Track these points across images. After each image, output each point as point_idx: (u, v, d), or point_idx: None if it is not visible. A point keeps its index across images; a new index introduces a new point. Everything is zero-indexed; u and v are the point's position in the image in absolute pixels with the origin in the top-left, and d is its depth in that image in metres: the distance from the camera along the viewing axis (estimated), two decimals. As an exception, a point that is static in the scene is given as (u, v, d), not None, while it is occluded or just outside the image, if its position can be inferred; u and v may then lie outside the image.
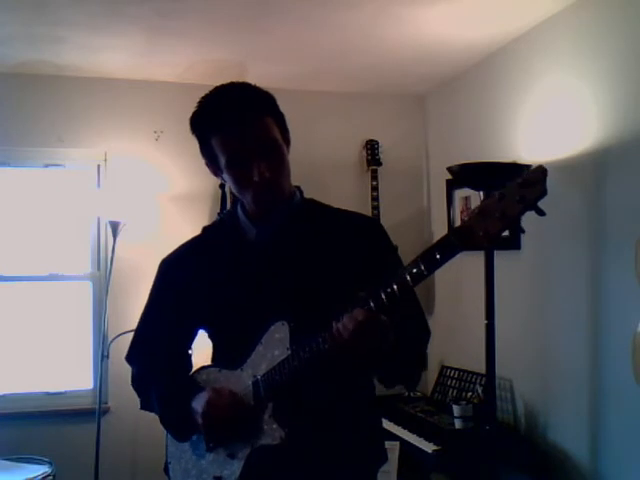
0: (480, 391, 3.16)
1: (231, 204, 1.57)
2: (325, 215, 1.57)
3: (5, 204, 3.70)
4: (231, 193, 3.74)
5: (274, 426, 1.39)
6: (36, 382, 3.67)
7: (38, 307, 3.73)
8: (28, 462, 3.05)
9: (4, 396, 3.58)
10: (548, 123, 2.96)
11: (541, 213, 1.16)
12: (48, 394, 3.66)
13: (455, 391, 3.42)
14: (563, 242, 2.82)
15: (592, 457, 2.71)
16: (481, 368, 2.92)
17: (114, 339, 3.50)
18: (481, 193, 2.77)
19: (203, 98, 1.48)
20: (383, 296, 1.24)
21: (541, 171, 1.13)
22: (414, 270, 1.20)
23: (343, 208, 1.59)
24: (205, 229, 1.68)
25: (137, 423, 3.67)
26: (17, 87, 3.61)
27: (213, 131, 1.43)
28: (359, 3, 2.78)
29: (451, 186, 3.73)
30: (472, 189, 3.00)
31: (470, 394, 3.23)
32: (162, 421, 1.56)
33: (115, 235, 3.55)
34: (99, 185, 3.78)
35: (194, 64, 3.55)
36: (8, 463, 3.02)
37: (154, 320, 1.63)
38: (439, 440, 2.97)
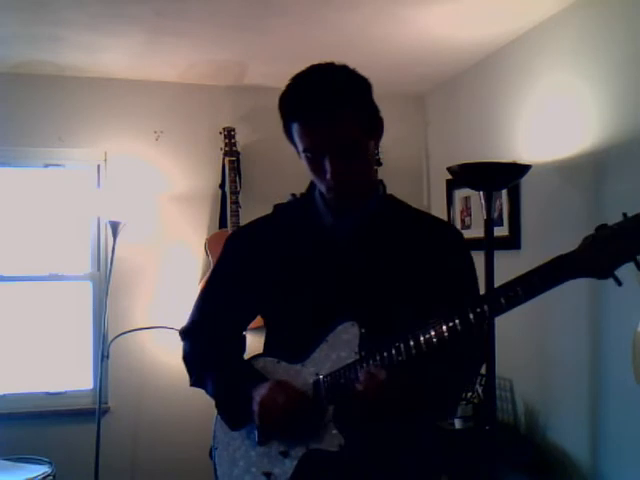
0: (480, 391, 3.16)
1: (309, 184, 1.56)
2: (408, 215, 1.52)
3: (5, 204, 3.70)
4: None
5: (333, 432, 1.33)
6: (36, 382, 3.67)
7: (38, 307, 3.73)
8: (28, 462, 3.05)
9: (4, 396, 3.58)
10: (548, 123, 2.96)
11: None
12: (48, 394, 3.66)
13: (455, 391, 3.42)
14: (563, 242, 2.80)
15: (592, 457, 2.71)
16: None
17: (114, 339, 3.51)
18: (481, 193, 2.78)
19: (294, 78, 1.42)
20: (471, 316, 1.23)
21: None
22: (510, 293, 1.21)
23: (423, 210, 1.56)
24: (277, 208, 1.61)
25: (137, 423, 3.67)
26: (17, 87, 3.61)
27: (293, 117, 1.38)
28: (359, 3, 2.78)
29: (451, 186, 3.73)
30: (472, 189, 2.99)
31: (470, 394, 3.23)
32: (217, 405, 1.50)
33: (115, 235, 3.55)
34: (99, 185, 3.78)
35: (194, 64, 3.55)
36: (8, 463, 3.02)
37: (216, 296, 1.57)
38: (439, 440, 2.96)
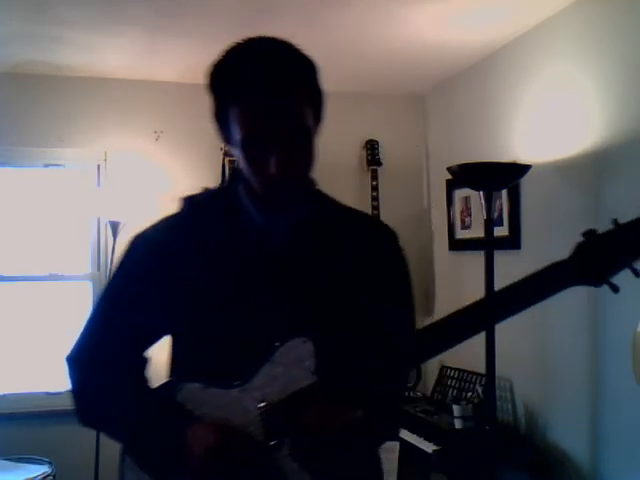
0: (480, 391, 3.16)
1: (228, 177, 1.36)
2: (343, 214, 1.35)
3: (5, 204, 3.70)
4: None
5: (294, 466, 1.11)
6: (36, 382, 3.67)
7: (38, 307, 3.73)
8: (28, 462, 3.05)
9: (4, 396, 3.58)
10: (548, 123, 2.95)
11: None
12: (48, 394, 3.66)
13: (455, 391, 3.42)
14: (563, 242, 2.80)
15: (592, 457, 2.71)
16: (481, 368, 2.91)
17: (114, 339, 3.50)
18: (481, 193, 2.77)
19: (230, 52, 1.19)
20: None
21: None
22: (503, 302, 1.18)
23: (351, 206, 1.38)
24: (189, 202, 1.34)
25: (137, 423, 3.67)
26: (17, 87, 3.61)
27: (233, 99, 1.17)
28: (359, 3, 2.78)
29: (451, 186, 3.73)
30: (472, 189, 2.99)
31: (470, 394, 3.23)
32: (132, 452, 1.22)
33: (115, 235, 3.55)
34: (99, 185, 3.78)
35: (194, 64, 3.55)
36: (8, 463, 3.02)
37: (113, 314, 1.28)
38: (439, 440, 2.97)
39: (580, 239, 1.14)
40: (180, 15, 2.88)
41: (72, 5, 2.74)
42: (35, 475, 2.89)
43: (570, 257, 1.13)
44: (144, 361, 1.30)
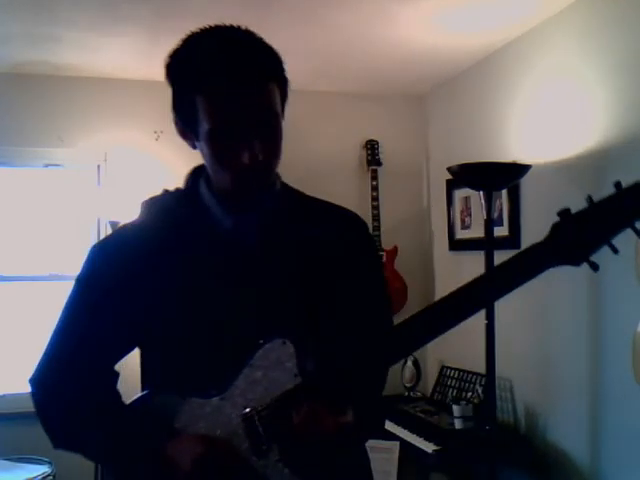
0: (480, 391, 3.16)
1: (189, 177, 1.30)
2: (311, 207, 1.30)
3: (5, 204, 3.70)
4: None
5: (285, 472, 1.08)
6: (36, 382, 3.67)
7: (38, 307, 3.73)
8: (28, 462, 3.05)
9: (4, 396, 3.59)
10: (549, 123, 2.95)
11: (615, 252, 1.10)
12: (48, 394, 3.66)
13: (455, 391, 3.42)
14: (563, 242, 2.81)
15: (592, 457, 2.71)
16: (481, 368, 2.92)
17: (114, 339, 3.50)
18: (481, 193, 2.78)
19: (192, 38, 1.17)
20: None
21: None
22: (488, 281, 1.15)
23: (317, 198, 1.33)
24: (151, 207, 1.29)
25: (137, 423, 3.67)
26: (17, 87, 3.61)
27: (200, 88, 1.13)
28: (359, 3, 2.78)
29: (451, 186, 3.73)
30: (472, 189, 3.00)
31: (470, 394, 3.23)
32: (112, 472, 1.20)
33: (115, 235, 3.54)
34: (99, 185, 3.78)
35: (194, 64, 3.55)
36: (8, 463, 3.02)
37: (81, 328, 1.24)
38: (439, 440, 2.97)
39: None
40: (180, 15, 2.87)
41: (72, 5, 2.74)
42: (35, 475, 2.89)
43: (546, 238, 1.12)
44: (114, 376, 1.26)
